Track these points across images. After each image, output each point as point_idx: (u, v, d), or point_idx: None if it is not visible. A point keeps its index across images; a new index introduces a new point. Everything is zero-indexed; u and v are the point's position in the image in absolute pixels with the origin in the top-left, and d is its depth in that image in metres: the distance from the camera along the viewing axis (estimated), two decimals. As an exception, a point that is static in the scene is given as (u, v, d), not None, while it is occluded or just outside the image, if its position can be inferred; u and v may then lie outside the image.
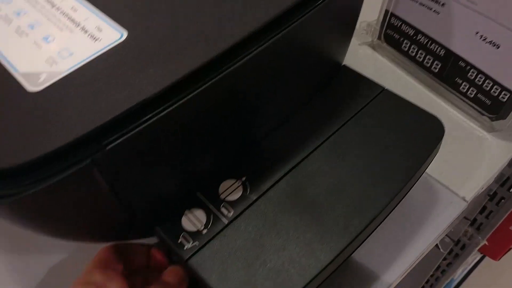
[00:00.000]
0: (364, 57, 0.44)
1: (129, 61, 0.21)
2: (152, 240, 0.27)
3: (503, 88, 0.35)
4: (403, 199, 0.27)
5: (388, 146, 0.28)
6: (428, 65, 0.40)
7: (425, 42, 0.39)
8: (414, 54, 0.41)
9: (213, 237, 0.25)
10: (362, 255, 0.27)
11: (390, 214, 0.27)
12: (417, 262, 0.31)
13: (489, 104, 0.36)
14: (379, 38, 0.44)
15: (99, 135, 0.19)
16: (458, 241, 0.74)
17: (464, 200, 0.33)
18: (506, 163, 0.36)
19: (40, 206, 0.20)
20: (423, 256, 0.31)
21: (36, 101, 0.20)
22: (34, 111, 0.20)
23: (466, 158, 0.35)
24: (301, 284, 0.23)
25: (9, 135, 0.19)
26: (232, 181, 0.27)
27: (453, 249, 0.77)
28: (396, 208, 0.27)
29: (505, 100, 0.35)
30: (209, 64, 0.21)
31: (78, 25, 0.23)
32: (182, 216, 0.26)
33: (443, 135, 0.28)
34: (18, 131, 0.19)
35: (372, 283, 0.29)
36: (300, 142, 0.28)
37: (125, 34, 0.22)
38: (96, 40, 0.22)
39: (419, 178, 0.27)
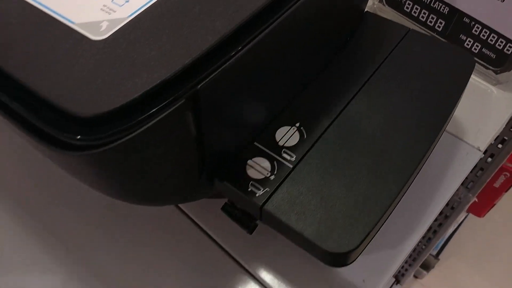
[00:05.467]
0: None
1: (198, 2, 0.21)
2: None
3: (508, 41, 0.36)
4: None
5: (425, 82, 0.29)
6: (432, 24, 0.41)
7: (428, 1, 0.40)
8: (416, 14, 0.42)
9: (282, 181, 0.25)
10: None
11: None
12: (439, 211, 0.32)
13: (493, 57, 0.38)
14: (380, 1, 0.45)
15: (189, 74, 0.18)
16: (449, 201, 0.78)
17: (479, 150, 0.34)
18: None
19: (125, 156, 0.19)
20: (444, 205, 0.32)
21: (107, 48, 0.19)
22: (109, 58, 0.19)
23: (475, 111, 0.37)
24: (381, 211, 0.24)
25: (91, 82, 0.18)
26: (287, 128, 0.27)
27: (443, 210, 0.81)
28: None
29: (510, 52, 0.36)
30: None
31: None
32: (245, 167, 0.25)
33: (474, 66, 0.29)
34: (99, 78, 0.18)
35: (397, 240, 0.30)
36: (343, 87, 0.29)
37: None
38: (153, -16, 0.21)
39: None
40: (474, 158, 0.33)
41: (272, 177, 0.25)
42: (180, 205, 0.32)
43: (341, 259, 0.23)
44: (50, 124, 0.18)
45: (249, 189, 0.25)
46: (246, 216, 0.27)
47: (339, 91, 0.29)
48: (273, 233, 0.30)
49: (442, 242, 1.11)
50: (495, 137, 0.35)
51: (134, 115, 0.17)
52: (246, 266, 0.29)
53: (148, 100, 0.18)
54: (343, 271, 0.28)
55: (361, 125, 0.27)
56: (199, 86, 0.18)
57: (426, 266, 1.19)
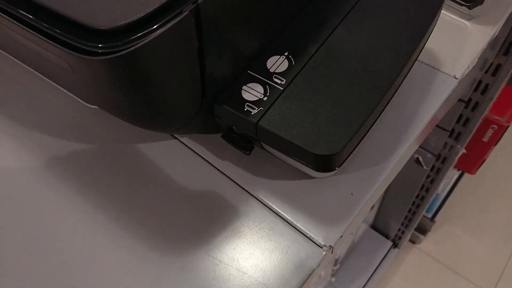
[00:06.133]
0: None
1: None
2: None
3: (480, -26, 0.38)
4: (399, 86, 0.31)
5: (402, 10, 0.32)
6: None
7: None
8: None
9: (274, 101, 0.28)
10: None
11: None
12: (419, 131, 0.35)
13: (467, -8, 0.40)
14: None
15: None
16: (439, 155, 0.81)
17: (455, 77, 0.37)
18: (486, 45, 0.41)
19: (140, 61, 0.21)
20: (422, 131, 0.35)
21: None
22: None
23: (450, 45, 0.40)
24: (362, 119, 0.27)
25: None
26: (277, 57, 0.30)
27: (434, 164, 0.84)
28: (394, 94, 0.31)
29: (481, -15, 0.39)
30: None
31: None
32: (241, 92, 0.29)
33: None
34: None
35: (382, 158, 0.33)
36: (325, 19, 0.32)
37: None
38: None
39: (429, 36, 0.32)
40: (450, 84, 0.36)
41: (265, 99, 0.28)
42: (182, 139, 0.35)
43: (329, 162, 0.26)
44: (78, 37, 0.21)
45: (245, 109, 0.28)
46: (244, 139, 0.30)
47: (323, 23, 0.31)
48: (268, 160, 0.33)
49: (438, 204, 1.14)
50: (469, 67, 0.38)
51: (146, 26, 0.21)
52: (245, 187, 0.32)
53: (158, 14, 0.21)
54: (332, 187, 0.31)
55: (343, 51, 0.30)
56: (199, 0, 0.21)
57: (423, 230, 1.23)
